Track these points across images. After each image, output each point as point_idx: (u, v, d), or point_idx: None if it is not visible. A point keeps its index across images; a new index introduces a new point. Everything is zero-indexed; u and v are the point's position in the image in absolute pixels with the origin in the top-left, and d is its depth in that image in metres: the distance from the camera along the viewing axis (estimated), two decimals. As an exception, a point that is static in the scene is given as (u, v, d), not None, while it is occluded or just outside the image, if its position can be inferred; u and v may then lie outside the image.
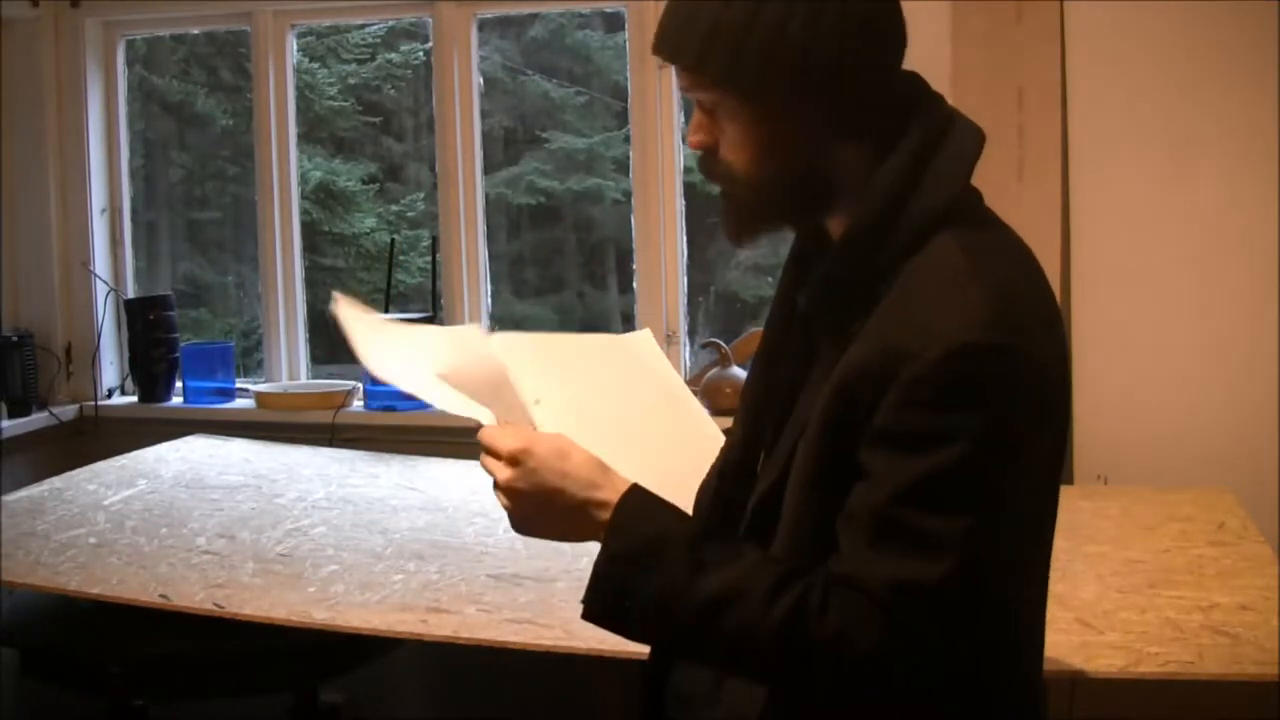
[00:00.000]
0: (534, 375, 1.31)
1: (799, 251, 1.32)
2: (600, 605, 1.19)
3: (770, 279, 4.72)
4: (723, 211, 1.27)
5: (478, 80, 3.43)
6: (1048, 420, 1.16)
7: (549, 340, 1.47)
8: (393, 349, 1.42)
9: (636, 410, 1.45)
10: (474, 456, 1.33)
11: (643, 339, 1.54)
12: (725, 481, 1.34)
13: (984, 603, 1.12)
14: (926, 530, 1.09)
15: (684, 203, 3.34)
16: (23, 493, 2.73)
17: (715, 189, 1.26)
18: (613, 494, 1.20)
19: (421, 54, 4.76)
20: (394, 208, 5.11)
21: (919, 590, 1.09)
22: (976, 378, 1.09)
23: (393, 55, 5.08)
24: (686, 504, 1.30)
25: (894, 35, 1.20)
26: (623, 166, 4.42)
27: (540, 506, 1.24)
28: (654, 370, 1.51)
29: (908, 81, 1.24)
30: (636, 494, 1.21)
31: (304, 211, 3.72)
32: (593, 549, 1.22)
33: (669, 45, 1.21)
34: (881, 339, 1.12)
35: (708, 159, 1.24)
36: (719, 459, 1.38)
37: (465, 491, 2.75)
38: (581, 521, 1.22)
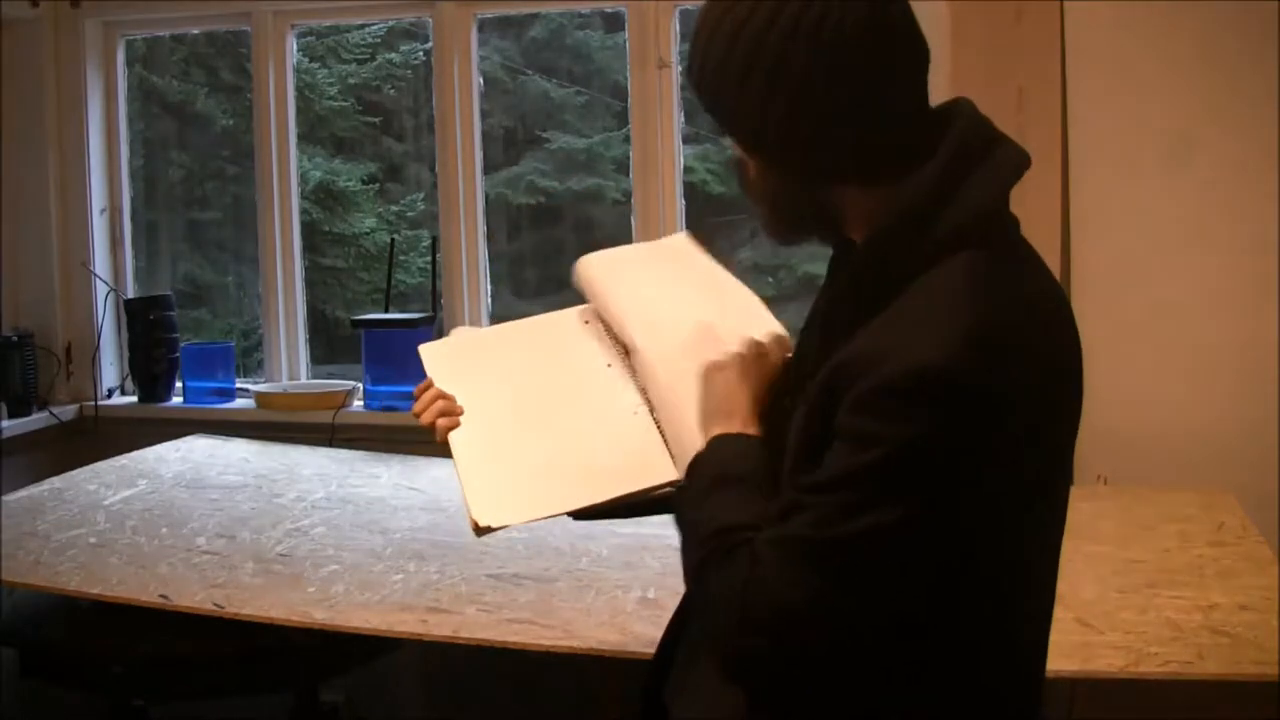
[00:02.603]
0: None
1: (834, 260, 1.36)
2: (678, 518, 1.30)
3: (770, 279, 4.71)
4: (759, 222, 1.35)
5: (478, 80, 3.43)
6: (1001, 453, 1.12)
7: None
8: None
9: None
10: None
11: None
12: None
13: (862, 594, 1.11)
14: (824, 510, 1.12)
15: (684, 203, 3.34)
16: (23, 493, 2.73)
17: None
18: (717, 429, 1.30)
19: (421, 54, 4.76)
20: (394, 208, 5.11)
21: (789, 540, 1.12)
22: (922, 395, 1.08)
23: (393, 55, 5.08)
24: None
25: (904, 77, 1.19)
26: (623, 166, 4.42)
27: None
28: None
29: (942, 112, 1.23)
30: (718, 440, 1.29)
31: (304, 211, 3.72)
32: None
33: (692, 80, 1.26)
34: (867, 342, 1.14)
35: (741, 179, 1.31)
36: None
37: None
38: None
